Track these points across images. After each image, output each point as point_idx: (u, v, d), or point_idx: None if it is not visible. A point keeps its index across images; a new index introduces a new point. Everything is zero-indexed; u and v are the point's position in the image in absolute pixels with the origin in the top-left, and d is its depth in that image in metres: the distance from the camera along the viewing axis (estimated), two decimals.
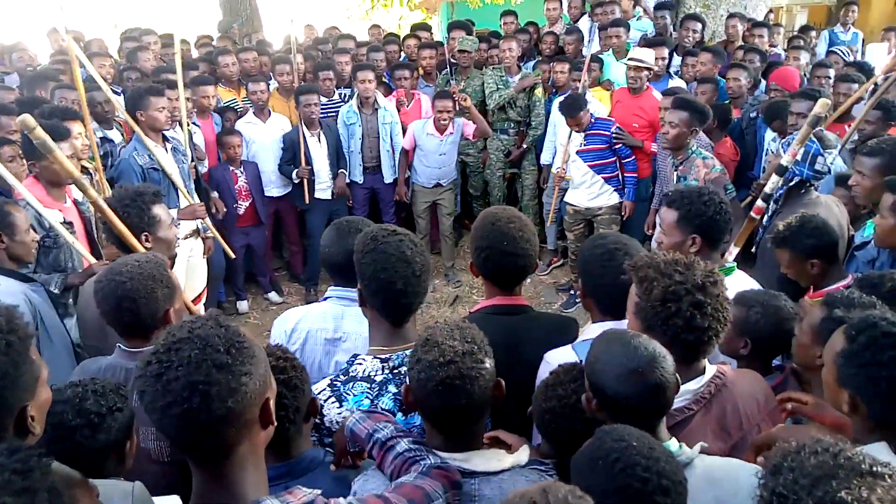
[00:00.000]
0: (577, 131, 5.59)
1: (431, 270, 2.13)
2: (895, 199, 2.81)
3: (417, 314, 5.99)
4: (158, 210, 3.05)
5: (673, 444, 1.68)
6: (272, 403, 1.34)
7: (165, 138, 4.84)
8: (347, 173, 6.32)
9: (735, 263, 2.80)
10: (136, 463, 2.00)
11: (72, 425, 1.83)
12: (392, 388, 2.00)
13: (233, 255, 5.37)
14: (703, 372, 1.90)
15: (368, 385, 2.01)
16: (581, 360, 1.96)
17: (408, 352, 2.00)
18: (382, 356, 2.05)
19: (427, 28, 8.42)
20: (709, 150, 4.60)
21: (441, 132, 6.18)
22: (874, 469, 1.13)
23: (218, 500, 1.29)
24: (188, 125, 5.41)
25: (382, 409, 1.95)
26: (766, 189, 3.13)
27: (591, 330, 2.20)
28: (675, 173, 4.43)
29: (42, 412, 1.58)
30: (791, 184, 3.44)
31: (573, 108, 5.50)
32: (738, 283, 2.66)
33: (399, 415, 1.98)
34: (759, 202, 3.15)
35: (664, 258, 1.91)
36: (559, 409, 1.87)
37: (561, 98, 6.28)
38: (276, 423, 1.36)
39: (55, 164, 3.01)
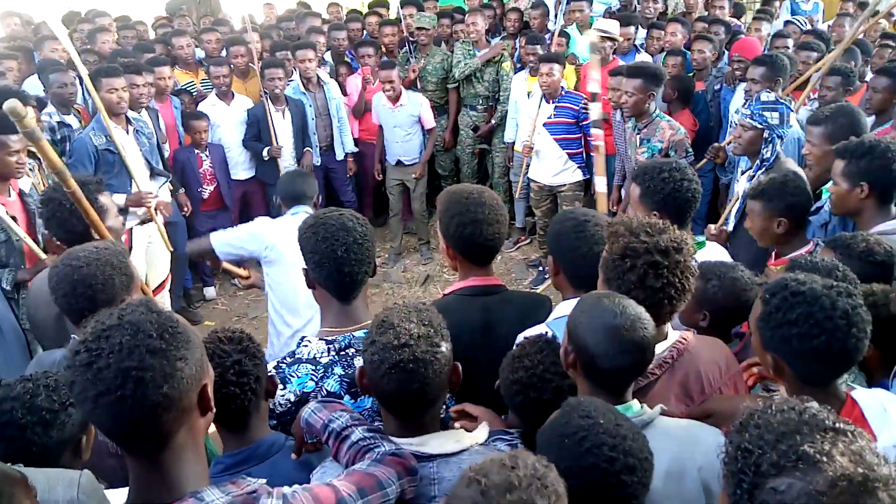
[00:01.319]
0: (546, 94, 5.52)
1: (375, 242, 2.14)
2: (844, 165, 2.83)
3: (387, 294, 5.92)
4: (103, 199, 2.96)
5: (635, 404, 1.71)
6: (210, 389, 1.31)
7: (129, 120, 4.72)
8: (307, 143, 6.26)
9: (705, 238, 2.80)
10: (96, 457, 1.95)
11: (22, 423, 1.76)
12: (338, 371, 1.98)
13: (170, 249, 5.09)
14: (665, 337, 1.92)
15: (313, 367, 1.99)
16: (555, 337, 1.97)
17: (355, 333, 2.01)
18: (328, 338, 2.03)
19: (385, 5, 8.30)
20: None
21: (393, 102, 6.13)
22: (837, 425, 1.16)
23: (156, 492, 1.25)
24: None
25: (328, 392, 1.94)
26: (593, 116, 3.34)
27: (564, 307, 2.19)
28: (638, 136, 4.53)
29: None
30: (778, 149, 3.49)
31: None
32: (710, 256, 2.66)
33: (347, 397, 1.96)
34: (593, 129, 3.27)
35: (641, 220, 1.92)
36: (526, 380, 1.86)
37: (521, 72, 6.27)
38: (214, 409, 1.33)
39: (40, 155, 2.81)
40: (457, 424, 1.90)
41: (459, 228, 2.25)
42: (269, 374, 1.88)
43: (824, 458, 1.09)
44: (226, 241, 3.42)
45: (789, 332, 1.66)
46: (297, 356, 2.03)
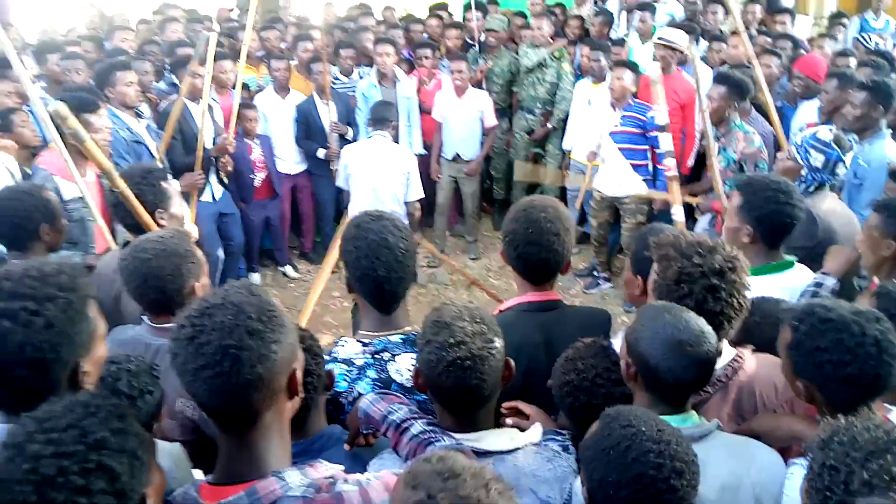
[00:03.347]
0: (614, 99, 5.46)
1: (416, 254, 2.13)
2: None
3: (433, 295, 5.97)
4: (167, 187, 3.01)
5: (693, 415, 1.71)
6: (299, 375, 1.37)
7: (138, 115, 4.78)
8: (355, 134, 6.35)
9: (795, 258, 2.66)
10: None
11: None
12: (371, 374, 1.99)
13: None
14: (720, 355, 1.88)
15: (347, 367, 2.01)
16: (610, 344, 1.98)
17: (391, 338, 2.02)
18: (365, 340, 2.04)
19: (444, 6, 8.32)
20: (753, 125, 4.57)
21: (459, 94, 6.18)
22: None
23: (241, 468, 1.32)
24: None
25: (359, 393, 1.95)
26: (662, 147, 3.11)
27: None
28: (717, 145, 4.38)
29: (97, 368, 1.61)
30: (811, 191, 3.25)
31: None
32: (796, 278, 2.57)
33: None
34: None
35: (688, 239, 1.91)
36: (577, 383, 1.88)
37: (582, 80, 6.22)
38: (302, 395, 1.38)
39: (87, 154, 2.88)
40: (509, 421, 1.91)
41: (508, 240, 2.25)
42: (327, 368, 1.91)
43: None
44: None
45: (821, 358, 1.65)
46: (332, 355, 2.05)
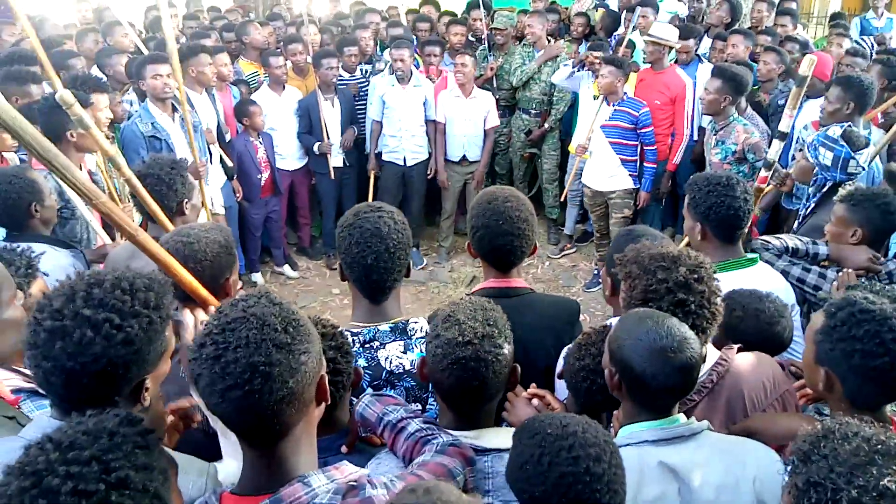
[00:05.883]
0: (605, 95, 5.45)
1: (409, 248, 2.11)
2: None
3: (433, 293, 5.94)
4: (190, 178, 3.09)
5: (682, 417, 1.70)
6: (326, 380, 1.33)
7: (174, 108, 4.78)
8: (356, 133, 6.31)
9: (758, 255, 2.69)
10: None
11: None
12: (361, 362, 1.99)
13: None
14: (704, 360, 1.87)
15: None
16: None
17: (380, 327, 2.03)
18: (354, 330, 2.04)
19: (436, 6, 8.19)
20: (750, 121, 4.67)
21: (465, 94, 6.10)
22: None
23: (270, 479, 1.27)
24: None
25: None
26: (769, 156, 3.03)
27: None
28: (714, 137, 4.55)
29: (156, 384, 1.58)
30: (825, 189, 3.29)
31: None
32: (760, 277, 2.56)
33: (368, 390, 1.95)
34: (763, 171, 3.05)
35: (650, 253, 1.91)
36: (594, 367, 1.90)
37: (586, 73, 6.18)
38: (329, 401, 1.35)
39: (89, 141, 2.93)
40: (535, 402, 1.93)
41: (478, 234, 2.28)
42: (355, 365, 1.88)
43: None
44: None
45: (852, 347, 1.63)
46: None
